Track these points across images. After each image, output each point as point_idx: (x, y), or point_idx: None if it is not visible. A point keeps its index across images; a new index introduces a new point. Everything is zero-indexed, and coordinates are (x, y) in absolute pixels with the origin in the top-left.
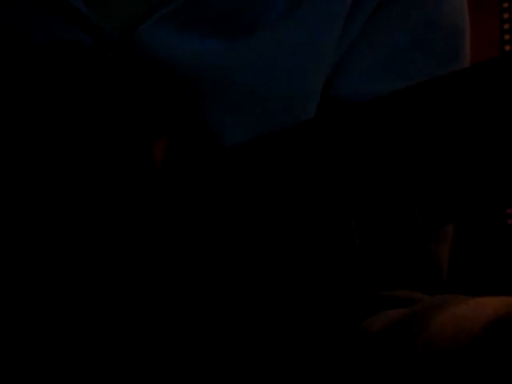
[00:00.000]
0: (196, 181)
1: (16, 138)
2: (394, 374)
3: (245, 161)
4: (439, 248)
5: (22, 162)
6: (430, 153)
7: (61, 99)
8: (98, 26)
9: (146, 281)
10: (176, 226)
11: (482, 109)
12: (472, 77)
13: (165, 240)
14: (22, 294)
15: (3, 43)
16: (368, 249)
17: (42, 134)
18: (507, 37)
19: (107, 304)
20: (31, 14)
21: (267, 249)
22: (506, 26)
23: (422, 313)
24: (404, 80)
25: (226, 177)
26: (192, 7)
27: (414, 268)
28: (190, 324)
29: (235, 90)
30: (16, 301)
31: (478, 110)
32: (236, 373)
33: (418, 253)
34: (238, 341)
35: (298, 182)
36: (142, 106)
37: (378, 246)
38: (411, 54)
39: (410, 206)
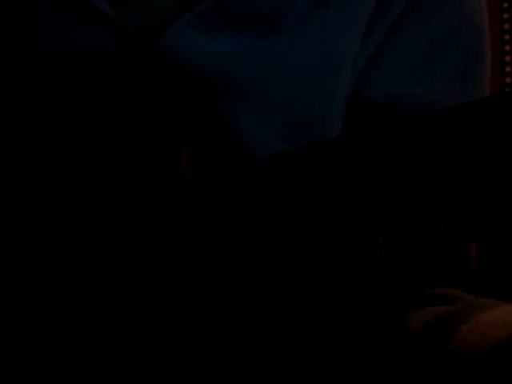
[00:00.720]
0: (221, 193)
1: (37, 145)
2: (423, 375)
3: (271, 174)
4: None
5: (39, 169)
6: (459, 173)
7: (84, 106)
8: (124, 28)
9: (166, 286)
10: (199, 236)
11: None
12: (502, 102)
13: (187, 248)
14: (27, 293)
15: (8, 44)
16: (394, 261)
17: (62, 140)
18: (507, 37)
19: (128, 306)
20: (38, 15)
21: (292, 261)
22: (506, 26)
23: (458, 314)
24: (429, 82)
25: (252, 190)
26: (217, 10)
27: (443, 259)
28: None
29: (262, 91)
30: (20, 301)
31: (505, 136)
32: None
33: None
34: (257, 344)
35: (325, 196)
36: (167, 114)
37: (404, 258)
38: (435, 57)
39: (435, 223)
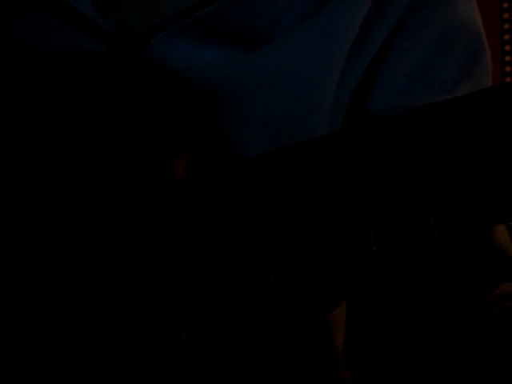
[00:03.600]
0: (216, 190)
1: (29, 146)
2: None
3: (265, 169)
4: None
5: (34, 172)
6: (447, 167)
7: (73, 106)
8: (111, 34)
9: (164, 285)
10: (197, 233)
11: (499, 128)
12: (489, 98)
13: (186, 246)
14: (24, 293)
15: (5, 49)
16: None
17: (54, 141)
18: (507, 37)
19: (122, 306)
20: (36, 23)
21: (287, 254)
22: (506, 26)
23: None
24: (429, 92)
25: (247, 185)
26: (207, 21)
27: (485, 263)
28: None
29: (247, 101)
30: (18, 301)
31: (494, 129)
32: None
33: (483, 248)
34: (253, 343)
35: (317, 190)
36: (155, 115)
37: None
38: (433, 67)
39: (424, 217)
